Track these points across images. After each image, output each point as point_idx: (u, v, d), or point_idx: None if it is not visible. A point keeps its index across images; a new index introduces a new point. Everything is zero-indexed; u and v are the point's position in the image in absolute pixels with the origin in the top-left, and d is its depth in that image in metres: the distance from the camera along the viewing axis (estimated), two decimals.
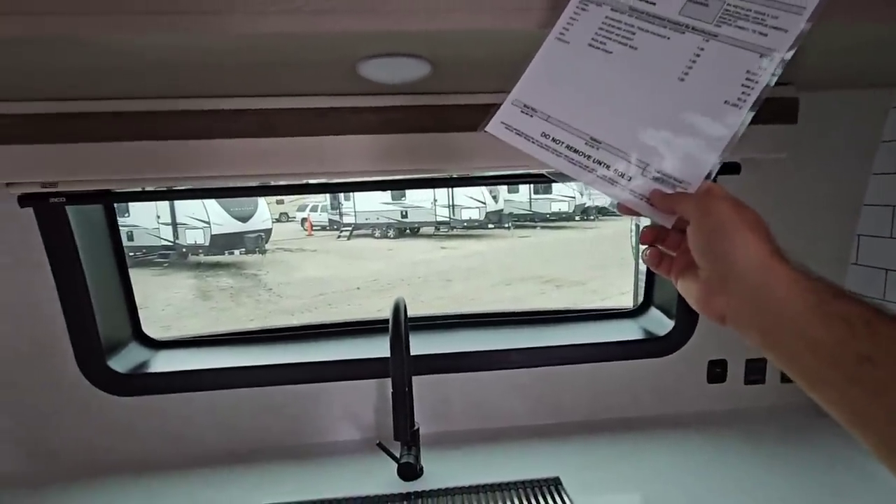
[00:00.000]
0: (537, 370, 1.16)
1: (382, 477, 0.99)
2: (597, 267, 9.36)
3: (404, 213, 14.97)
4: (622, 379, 1.17)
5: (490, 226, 14.65)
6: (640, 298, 1.33)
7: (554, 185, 14.85)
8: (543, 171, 0.55)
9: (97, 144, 0.82)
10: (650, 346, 1.17)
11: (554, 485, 0.95)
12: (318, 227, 17.13)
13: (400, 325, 0.88)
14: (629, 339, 1.19)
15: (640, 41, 0.50)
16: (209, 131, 0.83)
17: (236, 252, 12.28)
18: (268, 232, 13.16)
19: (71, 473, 1.04)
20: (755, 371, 1.20)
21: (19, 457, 1.07)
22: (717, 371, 1.19)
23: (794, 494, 0.89)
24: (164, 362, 1.15)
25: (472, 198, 14.46)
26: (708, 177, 0.47)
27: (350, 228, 15.33)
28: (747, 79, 0.47)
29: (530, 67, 0.54)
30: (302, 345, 1.23)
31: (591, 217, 15.67)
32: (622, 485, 0.95)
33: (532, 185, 15.20)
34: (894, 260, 1.05)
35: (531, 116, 0.53)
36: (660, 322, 1.23)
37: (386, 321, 1.31)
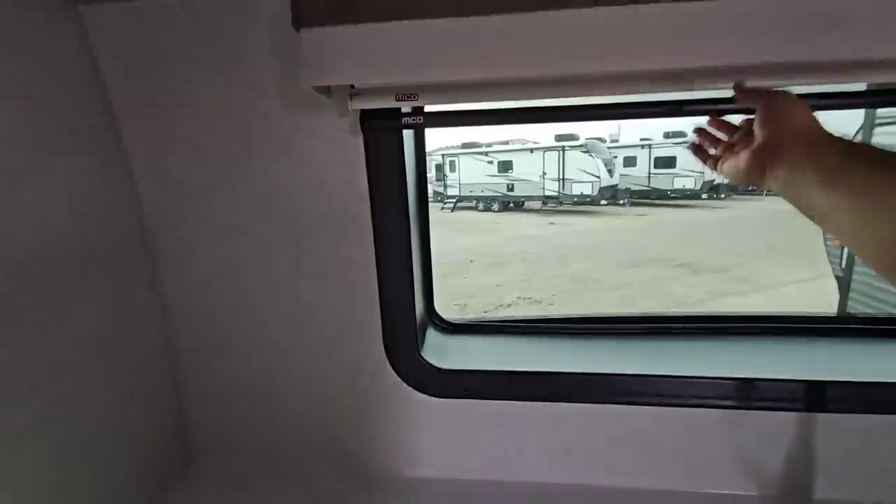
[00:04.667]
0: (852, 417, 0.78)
1: None
2: (737, 252, 8.31)
3: (510, 185, 14.53)
4: None
5: (603, 202, 13.70)
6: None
7: (678, 159, 13.48)
8: None
9: None
10: None
11: None
12: None
13: None
14: None
15: None
16: None
17: None
18: None
19: None
20: None
21: None
22: None
23: None
24: (462, 352, 0.93)
25: (584, 171, 13.59)
26: None
27: (454, 200, 15.26)
28: None
29: None
30: (610, 341, 0.96)
31: (722, 195, 14.02)
32: None
33: (652, 159, 13.94)
34: None
35: None
36: None
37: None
